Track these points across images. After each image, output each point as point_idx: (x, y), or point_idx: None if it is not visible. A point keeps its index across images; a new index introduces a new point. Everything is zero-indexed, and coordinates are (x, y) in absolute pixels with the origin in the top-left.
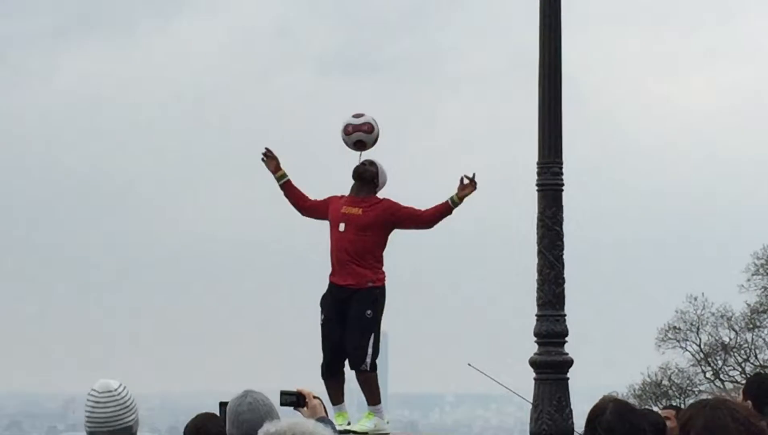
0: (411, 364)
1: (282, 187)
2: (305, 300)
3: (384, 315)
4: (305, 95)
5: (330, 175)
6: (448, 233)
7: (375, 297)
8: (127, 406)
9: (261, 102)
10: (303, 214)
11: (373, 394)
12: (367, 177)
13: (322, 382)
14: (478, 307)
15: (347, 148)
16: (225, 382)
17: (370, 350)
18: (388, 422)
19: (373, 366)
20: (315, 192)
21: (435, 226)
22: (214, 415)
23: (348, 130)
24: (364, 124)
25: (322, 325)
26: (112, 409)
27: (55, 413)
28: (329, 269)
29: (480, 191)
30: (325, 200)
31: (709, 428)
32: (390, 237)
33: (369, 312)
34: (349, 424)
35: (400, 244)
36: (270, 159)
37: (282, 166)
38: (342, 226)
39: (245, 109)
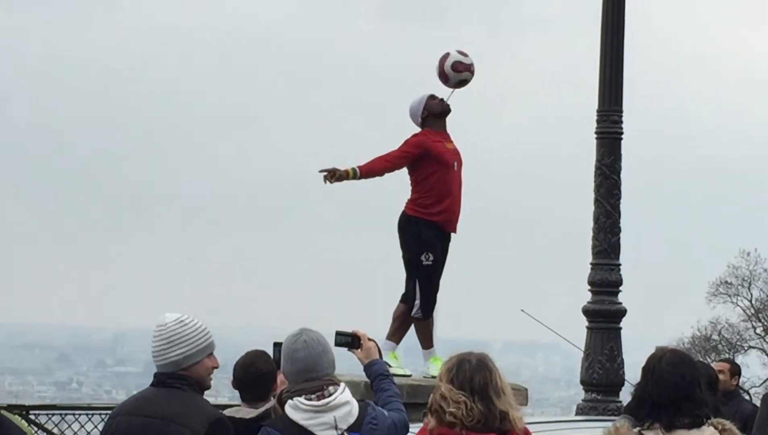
0: (458, 309)
1: (361, 177)
2: (365, 242)
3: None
4: (364, 40)
5: (387, 120)
6: (503, 176)
7: None
8: (172, 341)
9: (323, 39)
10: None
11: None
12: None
13: (421, 323)
14: (530, 255)
15: (441, 83)
16: (276, 319)
17: None
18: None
19: None
20: (370, 136)
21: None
22: (264, 352)
23: (458, 68)
24: (471, 64)
25: (432, 268)
26: (158, 343)
27: (105, 347)
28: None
29: (540, 137)
30: (414, 145)
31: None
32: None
33: None
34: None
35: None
36: (335, 178)
37: (343, 166)
38: (455, 165)
39: (305, 47)
